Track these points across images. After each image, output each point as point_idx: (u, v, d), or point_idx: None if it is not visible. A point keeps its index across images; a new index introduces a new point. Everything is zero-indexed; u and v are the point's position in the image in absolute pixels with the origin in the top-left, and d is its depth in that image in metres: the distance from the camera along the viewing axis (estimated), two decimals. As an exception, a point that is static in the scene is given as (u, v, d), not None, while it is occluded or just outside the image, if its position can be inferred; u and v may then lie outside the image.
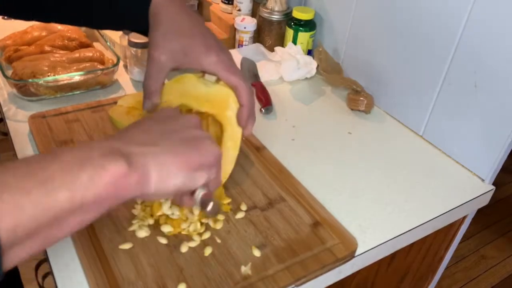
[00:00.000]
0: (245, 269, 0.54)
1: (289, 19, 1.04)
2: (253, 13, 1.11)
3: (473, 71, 0.73)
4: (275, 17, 1.05)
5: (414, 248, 0.76)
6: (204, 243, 0.57)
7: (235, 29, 1.07)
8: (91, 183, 0.34)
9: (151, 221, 0.58)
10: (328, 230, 0.60)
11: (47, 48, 0.90)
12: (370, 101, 0.90)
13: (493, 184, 0.77)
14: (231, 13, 1.13)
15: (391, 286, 0.84)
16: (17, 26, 1.00)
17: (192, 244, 0.56)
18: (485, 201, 0.77)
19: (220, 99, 0.59)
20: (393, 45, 0.87)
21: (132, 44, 0.88)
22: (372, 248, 0.62)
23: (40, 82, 0.79)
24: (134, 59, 0.90)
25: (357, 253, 0.60)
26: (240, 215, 0.61)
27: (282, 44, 1.08)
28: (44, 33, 0.95)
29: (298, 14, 1.01)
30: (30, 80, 0.79)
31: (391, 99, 0.91)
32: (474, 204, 0.75)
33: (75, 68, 0.84)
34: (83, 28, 1.02)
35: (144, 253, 0.55)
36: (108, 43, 0.94)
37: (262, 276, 0.54)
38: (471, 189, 0.75)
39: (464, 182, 0.76)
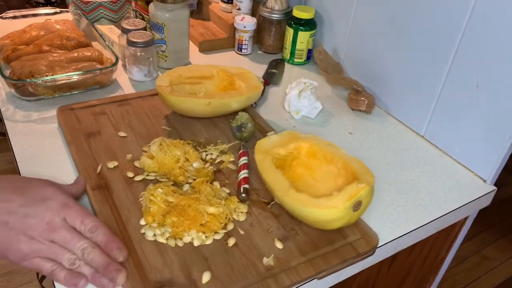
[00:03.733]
0: (267, 260, 0.55)
1: (289, 18, 1.04)
2: (253, 12, 1.11)
3: (475, 71, 0.73)
4: (275, 16, 1.05)
5: (416, 249, 0.75)
6: (227, 234, 0.58)
7: (234, 28, 1.06)
8: None
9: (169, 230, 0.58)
10: (349, 225, 0.60)
11: (45, 48, 0.89)
12: (371, 101, 0.89)
13: (495, 184, 0.76)
14: (231, 12, 1.12)
15: (392, 287, 0.84)
16: (15, 25, 1.00)
17: (217, 237, 0.57)
18: (486, 202, 0.77)
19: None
20: (394, 45, 0.86)
21: (131, 43, 0.87)
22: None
23: (38, 82, 0.79)
24: (133, 59, 0.89)
25: (357, 254, 0.60)
26: (262, 209, 0.62)
27: (282, 43, 1.08)
28: (42, 33, 0.95)
29: (298, 13, 1.00)
30: (28, 80, 0.79)
31: (392, 99, 0.90)
32: (476, 205, 0.74)
33: (73, 67, 0.83)
34: (82, 27, 1.01)
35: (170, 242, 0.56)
36: (106, 43, 0.93)
37: (284, 268, 0.54)
38: (472, 189, 0.74)
39: (466, 183, 0.76)
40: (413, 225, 0.66)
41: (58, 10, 1.12)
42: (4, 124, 0.76)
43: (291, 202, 0.58)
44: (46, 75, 0.80)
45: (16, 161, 0.68)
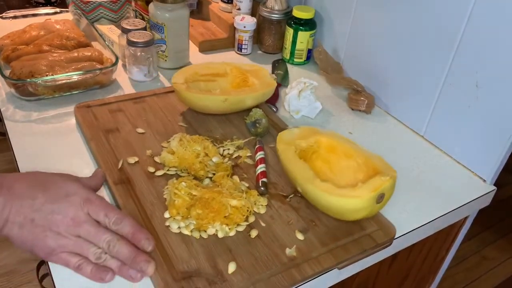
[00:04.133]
0: (290, 251, 0.56)
1: (289, 18, 1.04)
2: (253, 12, 1.11)
3: (475, 71, 0.73)
4: (275, 16, 1.05)
5: (415, 249, 0.75)
6: (249, 226, 0.59)
7: (234, 28, 1.06)
8: None
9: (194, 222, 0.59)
10: (367, 217, 0.61)
11: (45, 48, 0.89)
12: (371, 101, 0.89)
13: (495, 184, 0.76)
14: (231, 12, 1.12)
15: (392, 287, 0.84)
16: (15, 25, 1.00)
17: (239, 229, 0.59)
18: (486, 201, 0.77)
19: None
20: (394, 45, 0.86)
21: (131, 43, 0.87)
22: (373, 249, 0.61)
23: (38, 81, 0.79)
24: (133, 59, 0.89)
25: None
26: (281, 201, 0.64)
27: (282, 43, 1.08)
28: (42, 33, 0.95)
29: (298, 13, 1.00)
30: (28, 80, 0.79)
31: (392, 99, 0.90)
32: (476, 204, 0.74)
33: (73, 67, 0.83)
34: (82, 27, 1.01)
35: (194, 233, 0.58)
36: (106, 43, 0.93)
37: (306, 258, 0.56)
38: (472, 189, 0.74)
39: (466, 183, 0.76)
40: (413, 224, 0.66)
41: (58, 10, 1.12)
42: (4, 124, 0.76)
43: (316, 190, 0.59)
44: (46, 75, 0.80)
45: (16, 161, 0.68)
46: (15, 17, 1.08)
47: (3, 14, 1.08)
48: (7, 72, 0.81)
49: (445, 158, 0.81)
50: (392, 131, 0.87)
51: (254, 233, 0.58)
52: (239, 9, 1.09)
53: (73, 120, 0.79)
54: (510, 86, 0.69)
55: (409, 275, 0.84)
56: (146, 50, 0.89)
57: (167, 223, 0.58)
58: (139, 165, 0.67)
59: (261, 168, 0.68)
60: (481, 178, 0.77)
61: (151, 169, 0.66)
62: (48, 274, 0.55)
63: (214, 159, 0.68)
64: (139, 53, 0.88)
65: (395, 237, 0.63)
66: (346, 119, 0.88)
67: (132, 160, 0.68)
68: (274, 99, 0.88)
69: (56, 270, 0.53)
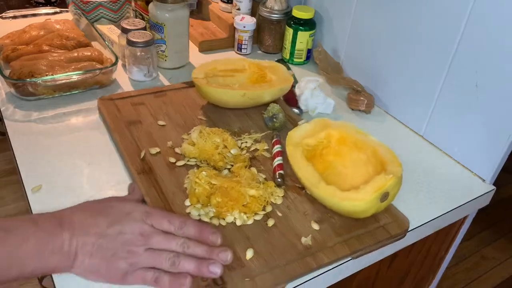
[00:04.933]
0: (306, 240, 0.58)
1: (288, 18, 1.04)
2: (253, 12, 1.11)
3: (474, 71, 0.73)
4: (275, 16, 1.05)
5: (415, 248, 0.75)
6: (267, 216, 0.61)
7: (234, 28, 1.06)
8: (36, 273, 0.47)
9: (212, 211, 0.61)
10: (381, 210, 0.62)
11: (45, 48, 0.89)
12: (370, 101, 0.89)
13: (494, 184, 0.77)
14: (231, 12, 1.12)
15: (391, 287, 0.84)
16: (15, 25, 1.00)
17: (257, 217, 0.61)
18: (485, 201, 0.77)
19: None
20: (394, 45, 0.86)
21: (130, 43, 0.87)
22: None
23: (38, 81, 0.79)
24: (133, 59, 0.89)
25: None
26: (297, 193, 0.66)
27: (281, 43, 1.08)
28: (42, 32, 0.95)
29: (298, 13, 1.00)
30: (28, 79, 0.79)
31: (392, 99, 0.90)
32: (475, 204, 0.74)
33: (73, 67, 0.83)
34: (82, 27, 1.01)
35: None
36: (106, 42, 0.93)
37: (321, 247, 0.58)
38: (471, 189, 0.74)
39: (465, 182, 0.76)
40: (412, 224, 0.66)
41: (58, 10, 1.12)
42: (4, 124, 0.76)
43: (321, 194, 0.61)
44: (46, 75, 0.80)
45: (16, 161, 0.68)
46: (15, 17, 1.08)
47: (3, 14, 1.08)
48: (7, 72, 0.81)
49: (445, 158, 0.81)
50: (392, 131, 0.87)
51: (271, 222, 0.60)
52: (239, 9, 1.09)
53: (72, 120, 0.79)
54: (509, 86, 0.69)
55: (409, 275, 0.84)
56: (146, 50, 0.89)
57: (187, 211, 0.60)
58: (161, 156, 0.69)
59: (278, 160, 0.70)
60: (480, 177, 0.77)
61: (172, 160, 0.69)
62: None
63: (233, 151, 0.70)
64: (139, 53, 0.88)
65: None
66: (346, 119, 0.88)
67: (153, 150, 0.70)
68: (294, 101, 0.89)
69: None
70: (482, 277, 1.79)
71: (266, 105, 0.82)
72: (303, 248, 0.57)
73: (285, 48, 1.06)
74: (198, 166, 0.68)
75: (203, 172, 0.63)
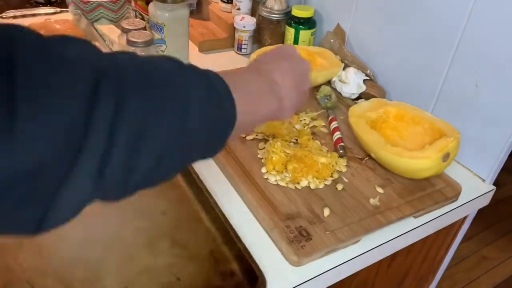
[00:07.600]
0: (374, 201, 0.65)
1: (288, 18, 1.04)
2: (253, 12, 1.11)
3: (474, 71, 0.73)
4: (275, 16, 1.05)
5: (415, 248, 0.75)
6: (335, 182, 0.68)
7: (234, 28, 1.06)
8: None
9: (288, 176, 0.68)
10: (435, 176, 0.70)
11: (45, 47, 0.89)
12: (381, 94, 0.89)
13: (494, 184, 0.77)
14: (231, 12, 1.12)
15: (391, 287, 0.84)
16: (16, 25, 0.99)
17: (327, 183, 0.67)
18: (485, 201, 0.77)
19: None
20: (394, 43, 0.87)
21: (130, 43, 0.87)
22: (372, 249, 0.61)
23: (38, 81, 0.79)
24: (133, 59, 0.89)
25: (356, 253, 0.60)
26: (358, 163, 0.73)
27: (281, 43, 1.08)
28: (42, 32, 0.94)
29: (297, 12, 1.00)
30: (28, 79, 0.79)
31: (391, 99, 0.90)
32: (475, 204, 0.74)
33: (73, 67, 0.83)
34: (82, 27, 1.01)
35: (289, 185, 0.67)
36: (106, 43, 0.93)
37: (388, 207, 0.65)
38: (471, 189, 0.74)
39: (465, 182, 0.76)
40: (412, 224, 0.66)
41: (58, 10, 1.12)
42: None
43: (389, 155, 0.67)
44: (46, 75, 0.80)
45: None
46: (15, 17, 1.08)
47: (3, 14, 1.08)
48: (7, 72, 0.81)
49: (445, 158, 0.81)
50: (392, 131, 0.87)
51: (340, 187, 0.67)
52: (238, 9, 1.09)
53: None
54: (510, 86, 0.69)
55: (408, 275, 0.84)
56: (146, 50, 0.89)
57: (265, 177, 0.67)
58: None
59: (337, 135, 0.76)
60: (480, 177, 0.77)
61: (242, 134, 0.75)
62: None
63: (297, 126, 0.78)
64: (139, 53, 0.88)
65: (392, 238, 0.63)
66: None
67: None
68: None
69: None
70: (482, 277, 1.79)
71: (317, 87, 0.89)
72: (373, 208, 0.64)
73: (285, 48, 1.06)
74: (266, 140, 0.74)
75: (278, 143, 0.70)
